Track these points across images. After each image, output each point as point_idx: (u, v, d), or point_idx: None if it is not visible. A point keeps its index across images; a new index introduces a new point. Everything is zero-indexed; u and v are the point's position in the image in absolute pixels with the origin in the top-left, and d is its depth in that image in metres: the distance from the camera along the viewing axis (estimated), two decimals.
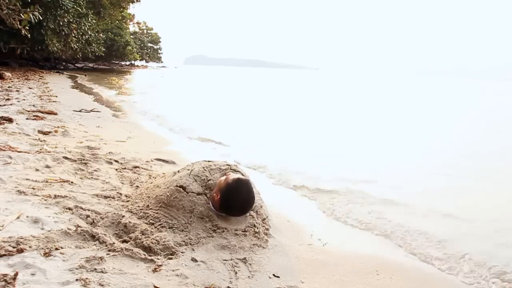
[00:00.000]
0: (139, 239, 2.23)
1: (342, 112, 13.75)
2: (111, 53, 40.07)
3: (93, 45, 25.46)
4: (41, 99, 8.97)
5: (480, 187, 4.74)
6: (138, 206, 2.65)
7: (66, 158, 3.82)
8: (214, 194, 2.53)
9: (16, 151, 3.86)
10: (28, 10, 10.11)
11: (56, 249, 2.04)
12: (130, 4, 33.89)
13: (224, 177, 2.58)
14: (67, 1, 17.18)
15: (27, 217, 2.35)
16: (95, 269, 1.92)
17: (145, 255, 2.12)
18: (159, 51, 68.81)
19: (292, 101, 17.87)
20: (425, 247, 2.84)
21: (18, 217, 2.33)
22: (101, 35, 28.24)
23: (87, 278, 1.82)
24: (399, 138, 8.33)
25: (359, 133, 8.66)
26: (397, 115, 13.36)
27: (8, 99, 8.14)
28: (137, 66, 61.74)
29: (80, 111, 7.77)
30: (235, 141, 6.39)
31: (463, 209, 3.75)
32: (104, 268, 1.93)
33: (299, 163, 5.25)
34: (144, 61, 65.07)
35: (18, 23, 10.06)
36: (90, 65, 38.99)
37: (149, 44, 66.17)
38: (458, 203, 3.97)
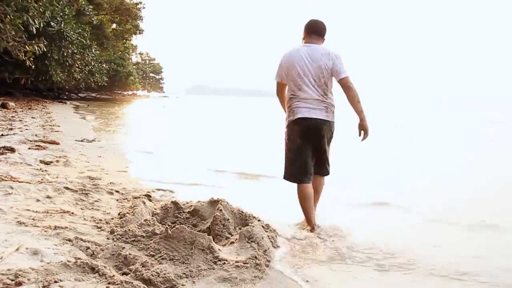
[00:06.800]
0: (139, 271, 2.20)
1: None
2: (113, 83, 40.61)
3: (96, 75, 25.86)
4: (43, 128, 9.04)
5: None
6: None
7: (67, 188, 3.82)
8: None
9: (17, 181, 3.87)
10: (34, 42, 10.37)
11: (55, 281, 2.01)
12: (133, 35, 34.74)
13: None
14: (72, 32, 17.58)
15: (27, 248, 2.33)
16: None
17: (145, 287, 2.09)
18: (161, 81, 69.88)
19: None
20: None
21: (17, 249, 2.32)
22: (104, 65, 28.75)
23: None
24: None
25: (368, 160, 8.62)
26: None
27: (11, 128, 8.21)
28: (139, 95, 62.52)
29: (82, 141, 7.81)
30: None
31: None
32: None
33: None
34: (146, 91, 65.98)
35: (23, 54, 10.30)
36: (93, 94, 39.48)
37: (151, 74, 67.29)
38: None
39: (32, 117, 11.39)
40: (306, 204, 3.43)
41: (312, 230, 3.39)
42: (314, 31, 3.48)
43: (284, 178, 3.56)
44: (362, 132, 3.41)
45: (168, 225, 2.93)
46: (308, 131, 3.35)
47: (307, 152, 3.41)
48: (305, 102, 3.32)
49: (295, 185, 3.51)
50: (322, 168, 3.57)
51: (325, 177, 3.66)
